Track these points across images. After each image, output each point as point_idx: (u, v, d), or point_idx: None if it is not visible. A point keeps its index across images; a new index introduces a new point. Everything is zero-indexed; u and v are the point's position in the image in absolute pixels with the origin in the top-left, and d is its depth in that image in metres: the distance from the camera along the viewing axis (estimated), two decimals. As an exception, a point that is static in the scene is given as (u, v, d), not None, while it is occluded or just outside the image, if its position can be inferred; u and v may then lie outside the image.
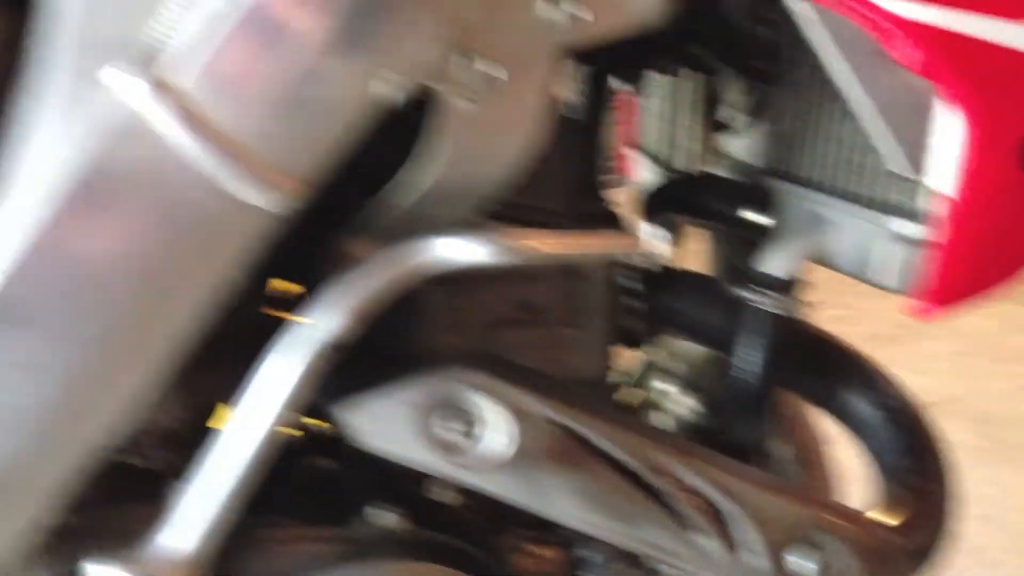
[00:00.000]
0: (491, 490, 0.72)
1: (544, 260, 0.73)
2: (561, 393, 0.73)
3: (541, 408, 0.71)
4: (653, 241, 0.71)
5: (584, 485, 0.72)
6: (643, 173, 1.16)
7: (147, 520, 0.72)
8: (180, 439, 0.76)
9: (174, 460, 0.75)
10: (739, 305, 0.85)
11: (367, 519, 0.78)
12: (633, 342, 0.94)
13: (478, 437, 0.71)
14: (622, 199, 0.97)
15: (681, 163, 1.06)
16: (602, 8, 0.68)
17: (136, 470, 0.76)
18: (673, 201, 1.02)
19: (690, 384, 1.08)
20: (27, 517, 0.66)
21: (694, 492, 0.72)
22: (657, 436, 0.76)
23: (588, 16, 0.68)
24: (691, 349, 1.08)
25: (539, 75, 0.70)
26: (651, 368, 1.11)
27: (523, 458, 0.71)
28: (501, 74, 0.68)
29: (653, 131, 1.12)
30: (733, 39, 0.81)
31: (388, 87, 0.66)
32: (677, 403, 1.09)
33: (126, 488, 0.74)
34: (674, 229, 1.02)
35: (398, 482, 0.79)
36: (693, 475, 0.72)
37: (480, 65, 0.68)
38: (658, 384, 1.11)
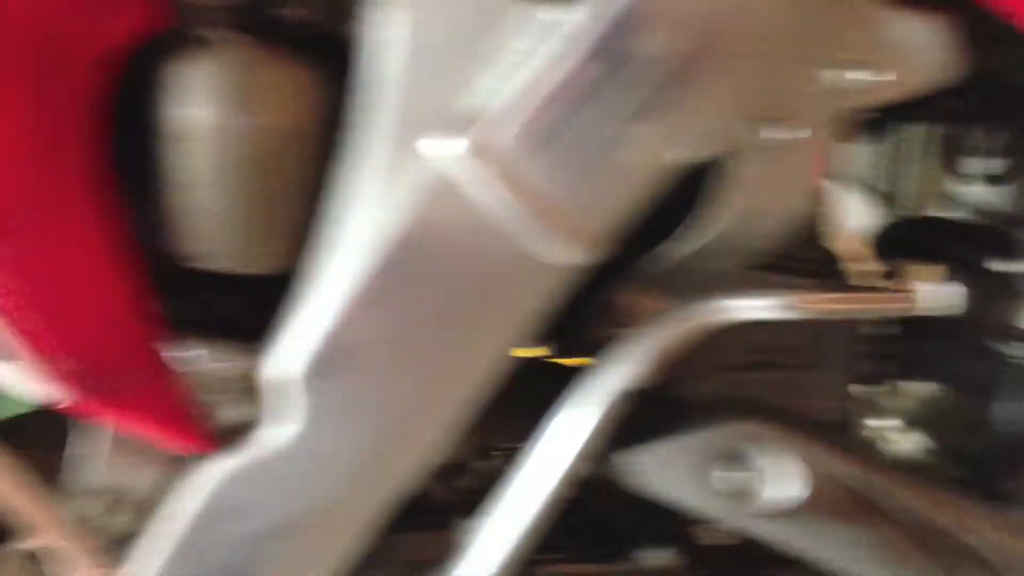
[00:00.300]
0: (772, 538, 0.74)
1: (829, 316, 0.75)
2: (842, 445, 0.75)
3: (824, 460, 0.74)
4: (944, 297, 0.72)
5: (864, 538, 0.73)
6: (853, 209, 1.16)
7: (431, 550, 0.77)
8: (462, 474, 0.80)
9: (456, 494, 0.80)
10: (994, 354, 0.85)
11: (638, 559, 0.81)
12: (874, 384, 0.94)
13: (761, 487, 0.73)
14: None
15: (908, 204, 1.06)
16: (902, 71, 0.70)
17: (421, 501, 0.81)
18: (904, 243, 1.02)
19: (915, 421, 1.07)
20: (343, 548, 0.72)
21: (976, 552, 0.73)
22: (941, 493, 0.77)
23: (882, 77, 0.70)
24: (915, 385, 1.08)
25: (824, 136, 0.72)
26: (864, 405, 1.11)
27: (806, 508, 0.73)
28: (790, 139, 0.71)
29: (862, 166, 1.13)
30: (1005, 94, 0.81)
31: (687, 152, 0.69)
32: (897, 440, 1.09)
33: (412, 519, 0.79)
34: (902, 272, 1.03)
35: (669, 523, 0.82)
36: (978, 534, 0.74)
37: (772, 132, 0.70)
38: (872, 422, 1.11)
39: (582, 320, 0.80)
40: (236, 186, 0.69)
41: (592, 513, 0.85)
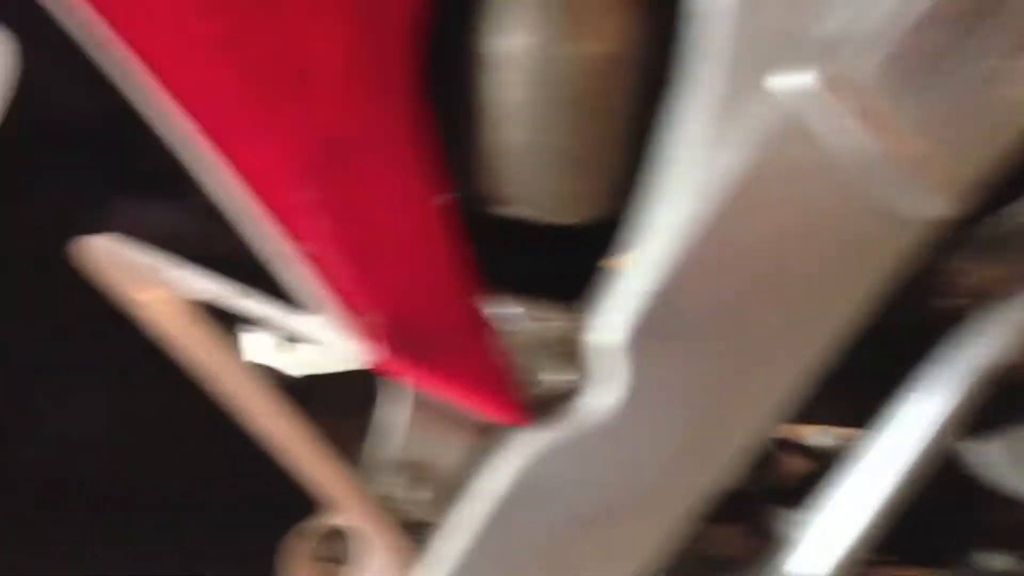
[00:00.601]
0: None
1: None
2: None
3: None
4: None
5: None
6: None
7: (744, 544, 0.69)
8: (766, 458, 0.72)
9: (762, 481, 0.72)
10: None
11: (977, 562, 0.72)
12: None
13: None
14: None
15: None
16: None
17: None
18: None
19: None
20: (661, 537, 0.64)
21: None
22: None
23: None
24: None
25: None
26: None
27: None
28: None
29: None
30: None
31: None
32: None
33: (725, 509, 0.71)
34: None
35: (1012, 523, 0.73)
36: None
37: None
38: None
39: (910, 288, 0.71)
40: (557, 121, 0.61)
41: (926, 509, 0.76)
